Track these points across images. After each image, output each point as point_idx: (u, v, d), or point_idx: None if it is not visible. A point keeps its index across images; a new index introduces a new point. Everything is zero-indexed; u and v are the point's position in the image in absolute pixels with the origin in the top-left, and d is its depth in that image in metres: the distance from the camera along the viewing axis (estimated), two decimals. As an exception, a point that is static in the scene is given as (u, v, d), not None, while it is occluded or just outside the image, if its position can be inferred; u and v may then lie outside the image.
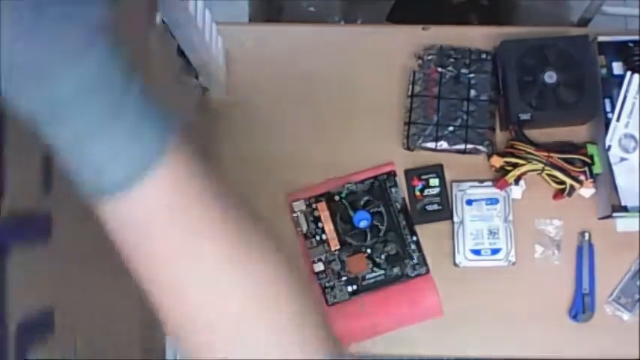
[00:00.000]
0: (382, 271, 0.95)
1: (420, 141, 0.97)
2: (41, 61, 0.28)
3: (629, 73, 0.96)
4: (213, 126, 1.00)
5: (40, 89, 0.29)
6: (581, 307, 0.94)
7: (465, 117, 0.97)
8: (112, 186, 0.30)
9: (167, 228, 0.31)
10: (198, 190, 0.33)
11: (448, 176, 0.98)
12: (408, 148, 0.98)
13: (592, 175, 0.94)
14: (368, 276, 0.95)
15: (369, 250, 0.95)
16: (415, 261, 0.96)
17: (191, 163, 0.33)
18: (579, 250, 0.96)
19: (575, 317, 0.94)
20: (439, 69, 0.99)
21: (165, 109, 0.33)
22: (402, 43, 1.02)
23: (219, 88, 0.98)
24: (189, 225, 0.32)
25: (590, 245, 0.96)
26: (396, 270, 0.95)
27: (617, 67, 0.97)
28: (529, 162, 0.94)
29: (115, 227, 0.32)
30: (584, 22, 1.29)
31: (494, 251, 0.96)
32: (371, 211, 0.96)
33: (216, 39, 0.95)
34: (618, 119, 0.95)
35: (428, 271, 0.96)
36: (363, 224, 0.95)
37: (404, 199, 0.98)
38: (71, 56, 0.29)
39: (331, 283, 0.95)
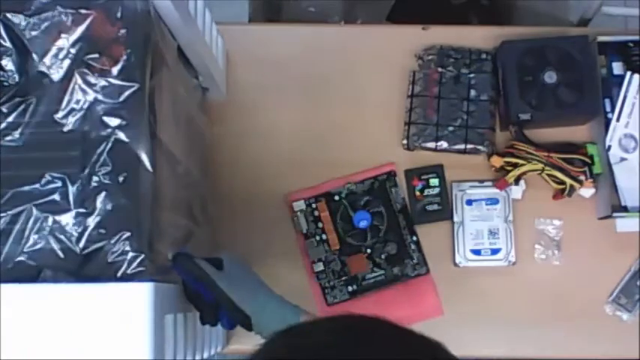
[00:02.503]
0: (382, 271, 0.95)
1: (420, 141, 0.97)
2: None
3: (629, 73, 0.96)
4: (213, 126, 1.00)
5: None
6: None
7: (465, 117, 0.97)
8: None
9: None
10: None
11: (448, 176, 0.98)
12: (408, 148, 0.98)
13: (592, 175, 0.94)
14: (368, 276, 0.95)
15: (369, 250, 0.95)
16: (415, 261, 0.96)
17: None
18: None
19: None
20: (439, 69, 0.99)
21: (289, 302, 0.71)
22: (402, 43, 1.02)
23: (219, 88, 0.98)
24: None
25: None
26: (396, 270, 0.96)
27: (617, 67, 0.97)
28: (529, 162, 0.94)
29: None
30: (584, 22, 1.28)
31: (494, 251, 0.96)
32: (371, 211, 0.96)
33: (216, 39, 0.95)
34: (618, 119, 0.95)
35: (428, 271, 0.96)
36: (363, 224, 0.95)
37: (404, 199, 0.98)
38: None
39: (331, 283, 0.95)
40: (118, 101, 0.62)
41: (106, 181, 0.61)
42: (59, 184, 0.60)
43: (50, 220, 0.59)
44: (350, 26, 1.24)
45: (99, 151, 0.61)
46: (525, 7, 1.35)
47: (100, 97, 0.62)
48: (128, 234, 0.60)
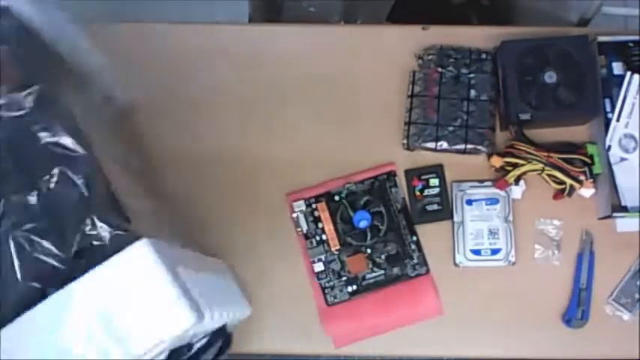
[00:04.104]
0: (382, 271, 0.95)
1: (420, 141, 0.97)
2: None
3: (629, 73, 0.96)
4: (213, 125, 1.00)
5: None
6: (575, 313, 0.94)
7: (464, 117, 0.97)
8: None
9: None
10: None
11: (448, 176, 0.98)
12: (408, 148, 0.98)
13: (592, 175, 0.94)
14: (368, 276, 0.95)
15: (369, 250, 0.95)
16: (415, 261, 0.96)
17: None
18: (579, 257, 0.96)
19: (568, 322, 0.94)
20: (439, 69, 0.99)
21: None
22: (402, 43, 1.02)
23: (121, 90, 0.95)
24: None
25: (591, 253, 0.95)
26: (396, 270, 0.95)
27: (617, 67, 0.97)
28: (529, 162, 0.94)
29: None
30: (584, 22, 1.29)
31: (494, 251, 0.96)
32: (371, 211, 0.96)
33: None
34: (618, 119, 0.95)
35: (428, 271, 0.96)
36: (363, 224, 0.95)
37: (404, 199, 0.98)
38: None
39: (331, 283, 0.95)
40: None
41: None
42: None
43: (31, 240, 0.60)
44: (350, 26, 1.24)
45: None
46: (525, 7, 1.35)
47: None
48: (100, 217, 0.61)
